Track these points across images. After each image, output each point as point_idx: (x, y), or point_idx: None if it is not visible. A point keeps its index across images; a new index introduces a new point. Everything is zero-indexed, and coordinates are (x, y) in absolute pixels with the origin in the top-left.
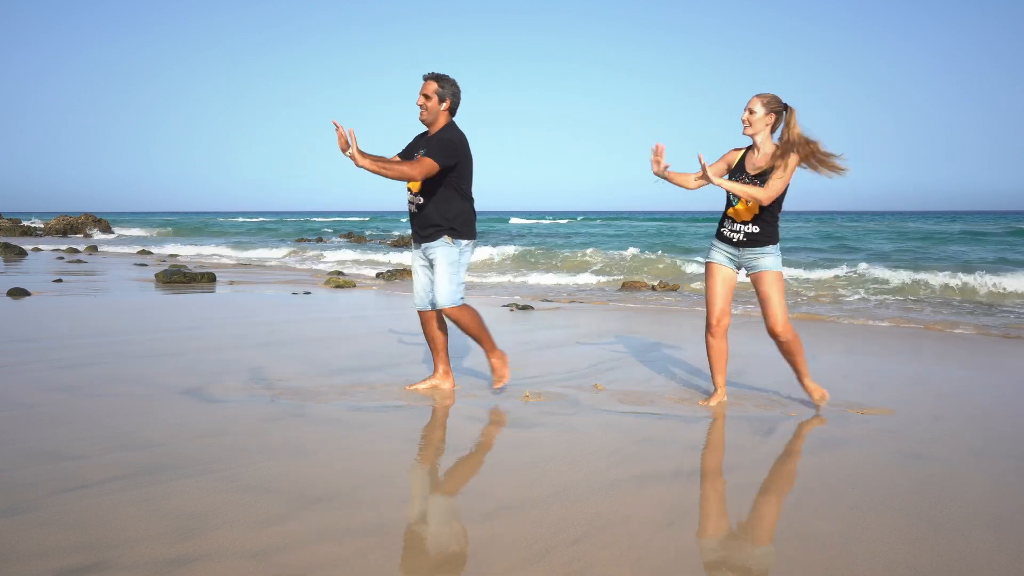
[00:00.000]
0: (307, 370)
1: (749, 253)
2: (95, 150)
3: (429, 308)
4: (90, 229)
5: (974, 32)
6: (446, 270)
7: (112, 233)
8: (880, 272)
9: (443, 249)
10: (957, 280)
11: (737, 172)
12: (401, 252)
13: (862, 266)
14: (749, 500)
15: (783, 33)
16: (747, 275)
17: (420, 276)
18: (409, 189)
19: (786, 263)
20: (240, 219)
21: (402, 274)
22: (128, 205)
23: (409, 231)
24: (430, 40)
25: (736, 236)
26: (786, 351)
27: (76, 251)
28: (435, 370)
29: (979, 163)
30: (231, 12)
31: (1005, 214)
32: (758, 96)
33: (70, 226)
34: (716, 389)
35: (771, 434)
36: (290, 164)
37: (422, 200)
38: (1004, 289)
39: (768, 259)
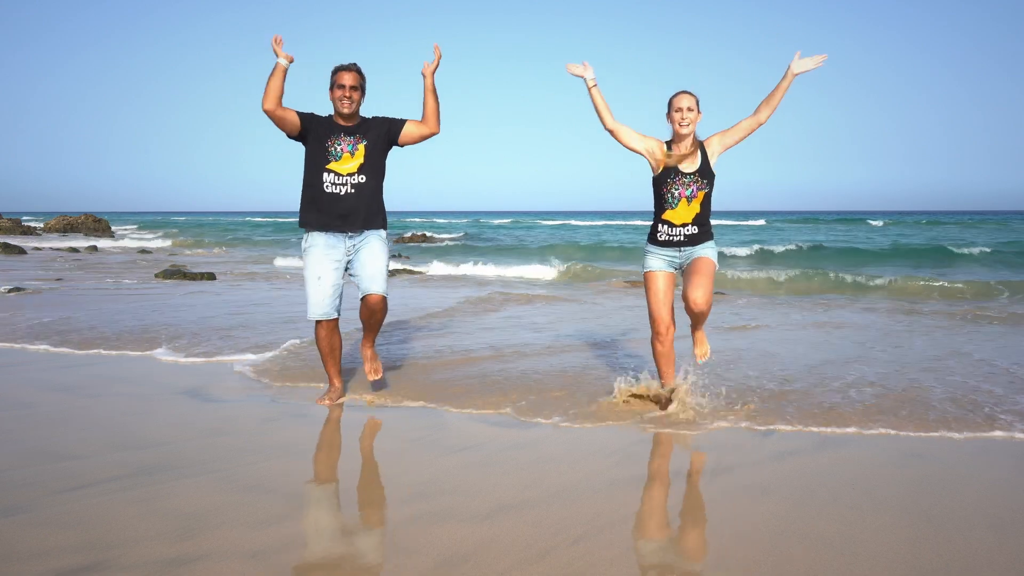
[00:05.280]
0: (307, 370)
1: (688, 250)
2: (95, 150)
3: (335, 316)
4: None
5: (974, 32)
6: (385, 256)
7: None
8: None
9: (380, 236)
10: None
11: (672, 170)
12: (399, 250)
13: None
14: (749, 500)
15: (783, 33)
16: (682, 267)
17: (333, 276)
18: (335, 171)
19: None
20: (258, 219)
21: (399, 273)
22: (128, 205)
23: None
24: (429, 40)
25: (676, 239)
26: (697, 321)
27: (76, 251)
28: (332, 383)
29: (979, 163)
30: (231, 12)
31: (1004, 214)
32: (691, 94)
33: (70, 226)
34: (674, 389)
35: (771, 434)
36: (291, 164)
37: (364, 179)
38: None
39: (707, 251)
